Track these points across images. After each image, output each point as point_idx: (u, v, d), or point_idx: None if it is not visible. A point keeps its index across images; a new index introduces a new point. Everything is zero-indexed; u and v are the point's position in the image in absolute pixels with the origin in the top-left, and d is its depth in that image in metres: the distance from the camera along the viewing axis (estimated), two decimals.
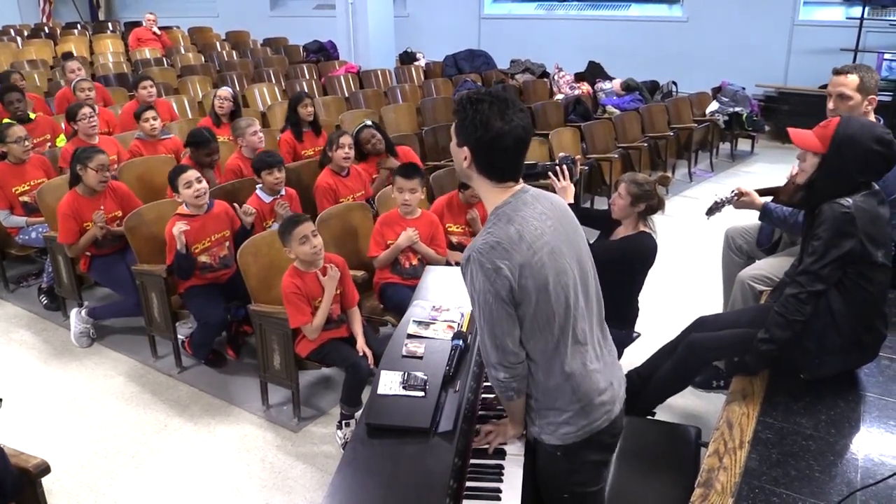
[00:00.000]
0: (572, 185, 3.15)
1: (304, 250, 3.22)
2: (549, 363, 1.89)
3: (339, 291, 3.39)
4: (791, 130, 2.68)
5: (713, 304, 4.03)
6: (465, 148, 1.87)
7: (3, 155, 4.73)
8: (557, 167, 3.11)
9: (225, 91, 5.80)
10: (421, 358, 2.20)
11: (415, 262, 3.81)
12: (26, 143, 4.67)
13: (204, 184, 3.86)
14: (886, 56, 8.47)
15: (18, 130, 4.70)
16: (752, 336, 2.65)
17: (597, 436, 1.95)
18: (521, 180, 1.93)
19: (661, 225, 3.39)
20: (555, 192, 2.71)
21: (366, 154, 4.86)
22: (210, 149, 4.55)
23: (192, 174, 3.81)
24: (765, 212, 3.25)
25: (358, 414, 3.32)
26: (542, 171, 3.14)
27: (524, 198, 1.89)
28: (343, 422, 3.34)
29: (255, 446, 3.37)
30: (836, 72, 3.19)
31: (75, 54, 8.82)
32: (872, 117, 3.12)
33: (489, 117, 1.80)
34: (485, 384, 2.42)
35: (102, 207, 4.12)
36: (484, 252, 1.79)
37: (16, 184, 4.67)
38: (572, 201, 3.16)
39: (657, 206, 3.24)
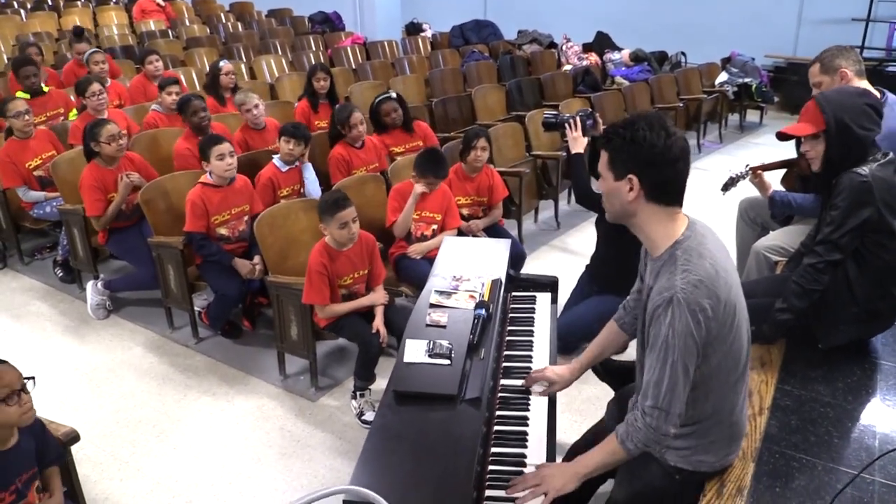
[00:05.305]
0: (584, 138, 3.43)
1: (342, 234, 3.21)
2: (724, 398, 1.86)
3: (366, 270, 3.41)
4: (784, 129, 2.68)
5: None
6: (630, 175, 1.74)
7: (9, 132, 4.69)
8: (573, 119, 3.42)
9: (230, 64, 5.77)
10: (444, 327, 2.22)
11: (428, 232, 3.84)
12: (27, 117, 4.59)
13: (235, 159, 3.86)
14: None
15: (19, 105, 4.63)
16: (768, 306, 2.67)
17: (721, 471, 1.94)
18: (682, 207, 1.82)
19: None
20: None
21: (385, 126, 4.85)
22: (195, 106, 4.50)
23: (227, 147, 3.80)
24: (771, 201, 3.29)
25: (372, 386, 3.38)
26: (560, 123, 3.50)
27: (699, 229, 1.81)
28: (357, 392, 3.38)
29: (273, 415, 3.42)
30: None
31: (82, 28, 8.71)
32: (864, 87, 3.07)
33: (649, 133, 1.71)
34: (506, 353, 2.45)
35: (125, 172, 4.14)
36: (689, 291, 1.67)
37: (27, 158, 4.64)
38: (581, 151, 3.44)
39: None
